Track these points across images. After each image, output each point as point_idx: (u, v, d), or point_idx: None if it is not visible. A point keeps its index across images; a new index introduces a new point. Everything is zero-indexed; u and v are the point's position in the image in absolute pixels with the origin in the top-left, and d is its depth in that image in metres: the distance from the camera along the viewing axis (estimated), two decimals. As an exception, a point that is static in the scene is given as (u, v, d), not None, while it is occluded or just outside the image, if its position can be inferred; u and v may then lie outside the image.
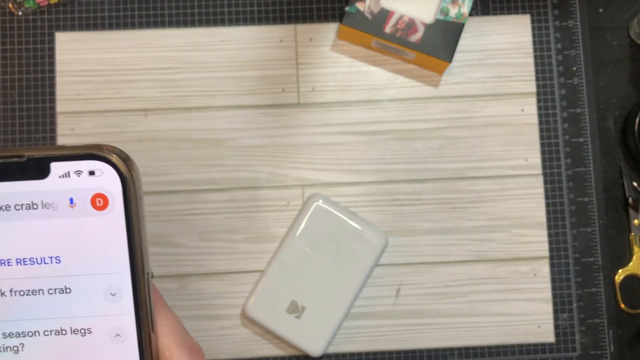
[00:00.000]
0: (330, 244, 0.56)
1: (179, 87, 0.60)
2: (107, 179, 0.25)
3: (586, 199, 0.60)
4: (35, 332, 0.25)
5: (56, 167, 0.24)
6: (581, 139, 0.60)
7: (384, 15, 0.57)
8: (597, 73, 0.62)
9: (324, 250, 0.56)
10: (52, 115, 0.59)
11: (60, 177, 0.24)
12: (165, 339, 0.26)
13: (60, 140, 0.59)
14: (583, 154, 0.60)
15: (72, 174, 0.24)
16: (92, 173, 0.24)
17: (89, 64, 0.60)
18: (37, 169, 0.24)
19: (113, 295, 0.25)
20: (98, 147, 0.24)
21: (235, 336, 0.58)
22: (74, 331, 0.25)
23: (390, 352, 0.58)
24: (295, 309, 0.55)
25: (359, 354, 0.58)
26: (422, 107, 0.60)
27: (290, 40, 0.61)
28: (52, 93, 0.59)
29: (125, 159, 0.25)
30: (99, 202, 0.25)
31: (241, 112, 0.60)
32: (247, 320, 0.58)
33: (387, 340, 0.58)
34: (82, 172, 0.24)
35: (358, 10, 0.57)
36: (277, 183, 0.59)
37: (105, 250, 0.25)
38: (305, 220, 0.56)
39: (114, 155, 0.24)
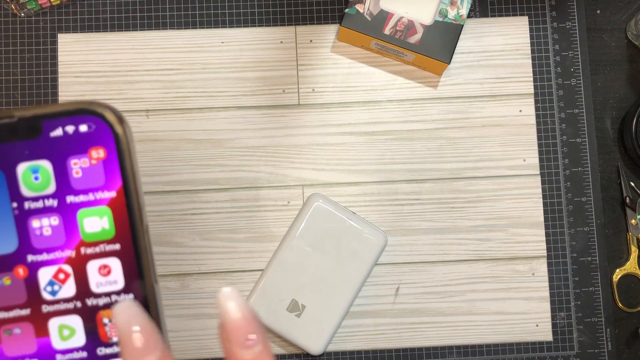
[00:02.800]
0: (330, 243, 0.56)
1: (181, 88, 0.60)
2: (100, 135, 0.24)
3: (584, 199, 0.60)
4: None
5: (48, 125, 0.24)
6: (579, 139, 0.61)
7: (383, 16, 0.57)
8: (594, 74, 0.62)
9: (324, 250, 0.56)
10: (55, 115, 0.60)
11: (52, 135, 0.24)
12: None
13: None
14: (581, 154, 0.61)
15: (64, 131, 0.24)
16: (84, 129, 0.24)
17: (91, 65, 0.60)
18: (29, 129, 0.24)
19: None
20: (89, 102, 0.24)
21: (236, 335, 0.58)
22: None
23: (389, 351, 0.59)
24: (295, 308, 0.56)
25: (359, 353, 0.59)
26: (421, 108, 0.61)
27: (291, 41, 0.61)
28: (55, 94, 0.60)
29: (117, 113, 0.24)
30: (93, 156, 0.24)
31: (242, 113, 0.60)
32: (248, 319, 0.58)
33: (387, 339, 0.59)
34: (74, 129, 0.24)
35: (357, 12, 0.57)
36: (277, 183, 0.60)
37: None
38: (305, 219, 0.56)
39: (106, 110, 0.24)
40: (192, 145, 0.60)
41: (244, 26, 0.61)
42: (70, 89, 0.60)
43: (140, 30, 0.61)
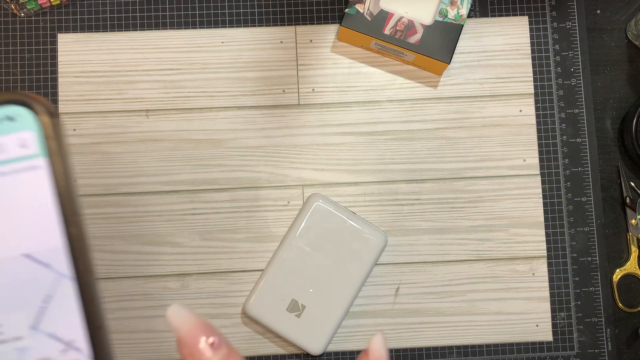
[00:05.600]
0: (330, 243, 0.56)
1: (180, 88, 0.60)
2: (28, 125, 0.24)
3: (584, 199, 0.60)
4: None
5: None
6: (579, 139, 0.61)
7: (383, 16, 0.57)
8: (594, 74, 0.62)
9: (324, 250, 0.56)
10: (55, 115, 0.60)
11: None
12: None
13: (63, 141, 0.59)
14: (581, 154, 0.61)
15: None
16: (11, 119, 0.24)
17: (91, 65, 0.60)
18: None
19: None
20: (19, 93, 0.24)
21: (236, 335, 0.58)
22: None
23: (389, 351, 0.59)
24: (295, 308, 0.56)
25: (359, 352, 0.59)
26: (421, 108, 0.61)
27: (291, 41, 0.61)
28: (54, 94, 0.60)
29: (47, 105, 0.24)
30: (20, 146, 0.24)
31: (242, 113, 0.60)
32: (248, 319, 0.58)
33: (387, 339, 0.59)
34: (1, 118, 0.24)
35: (358, 12, 0.57)
36: (277, 183, 0.60)
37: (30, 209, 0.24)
38: (305, 219, 0.56)
39: (35, 101, 0.24)
40: (192, 145, 0.60)
41: (244, 26, 0.61)
42: (70, 88, 0.60)
43: (140, 30, 0.61)
